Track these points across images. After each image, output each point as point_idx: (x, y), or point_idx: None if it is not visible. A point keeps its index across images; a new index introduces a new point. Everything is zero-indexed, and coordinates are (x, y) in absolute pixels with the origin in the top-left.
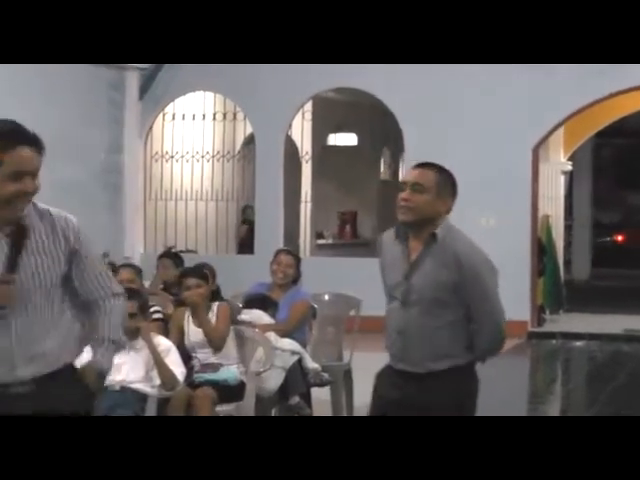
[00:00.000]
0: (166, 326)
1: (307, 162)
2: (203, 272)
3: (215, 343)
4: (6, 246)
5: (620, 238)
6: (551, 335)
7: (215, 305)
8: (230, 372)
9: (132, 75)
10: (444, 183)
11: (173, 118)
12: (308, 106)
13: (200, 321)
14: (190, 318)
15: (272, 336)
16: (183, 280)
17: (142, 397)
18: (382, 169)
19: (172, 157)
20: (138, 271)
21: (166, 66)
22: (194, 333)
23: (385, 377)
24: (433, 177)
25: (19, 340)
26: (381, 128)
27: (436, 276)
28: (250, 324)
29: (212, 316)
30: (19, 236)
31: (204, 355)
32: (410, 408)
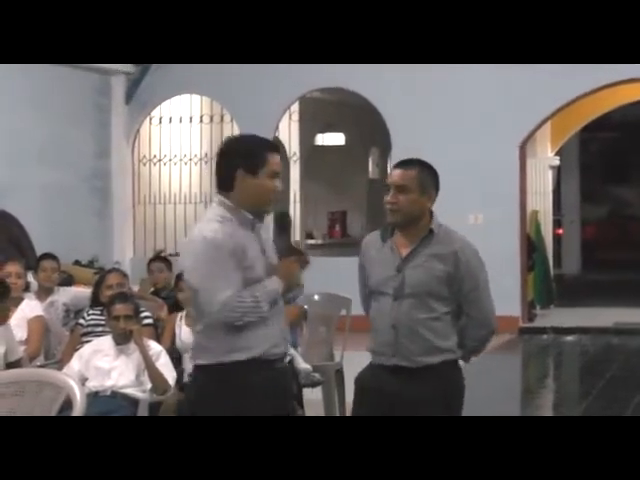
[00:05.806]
0: (156, 330)
1: (295, 162)
2: None
3: None
4: None
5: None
6: (542, 330)
7: None
8: None
9: (118, 79)
10: (426, 178)
11: (160, 122)
12: (295, 107)
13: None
14: (182, 319)
15: None
16: (179, 282)
17: (133, 402)
18: (370, 168)
19: (160, 160)
20: (125, 275)
21: (152, 70)
22: (186, 333)
23: (370, 377)
24: (415, 175)
25: None
26: (369, 127)
27: (431, 269)
28: None
29: None
30: None
31: None
32: (401, 404)
